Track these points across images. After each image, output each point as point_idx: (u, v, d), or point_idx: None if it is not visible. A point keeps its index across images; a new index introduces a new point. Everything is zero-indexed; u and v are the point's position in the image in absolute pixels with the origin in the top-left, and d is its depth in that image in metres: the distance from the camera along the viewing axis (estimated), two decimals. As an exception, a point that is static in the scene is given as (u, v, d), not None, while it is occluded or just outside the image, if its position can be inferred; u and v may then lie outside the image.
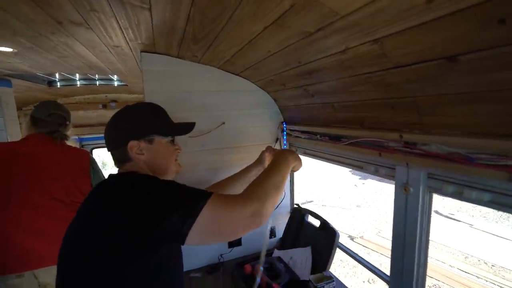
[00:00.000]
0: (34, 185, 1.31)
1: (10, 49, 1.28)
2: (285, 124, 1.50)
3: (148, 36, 1.02)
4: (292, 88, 1.22)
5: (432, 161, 0.74)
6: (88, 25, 0.93)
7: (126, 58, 1.43)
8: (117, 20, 0.86)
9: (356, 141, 0.96)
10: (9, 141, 2.12)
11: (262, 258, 1.07)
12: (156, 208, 0.64)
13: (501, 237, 5.78)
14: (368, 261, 1.23)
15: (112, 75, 2.33)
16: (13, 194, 1.26)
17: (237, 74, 1.40)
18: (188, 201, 0.67)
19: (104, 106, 3.34)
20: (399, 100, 0.77)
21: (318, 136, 1.19)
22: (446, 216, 7.02)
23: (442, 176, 0.77)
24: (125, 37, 1.03)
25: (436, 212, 7.33)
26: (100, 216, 0.65)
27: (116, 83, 2.70)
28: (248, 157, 1.38)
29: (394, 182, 0.91)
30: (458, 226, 6.51)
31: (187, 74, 1.34)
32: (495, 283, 4.37)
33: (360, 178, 9.96)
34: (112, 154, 0.84)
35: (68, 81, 2.53)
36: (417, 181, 0.82)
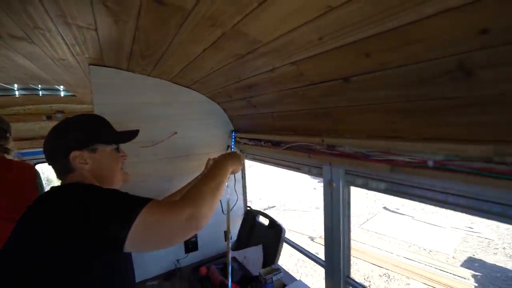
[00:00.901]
0: None
1: None
2: (234, 132, 1.62)
3: (95, 52, 1.06)
4: (237, 100, 1.34)
5: (346, 160, 0.92)
6: (31, 39, 0.94)
7: (74, 70, 1.42)
8: (62, 38, 0.90)
9: (291, 146, 1.11)
10: None
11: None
12: (93, 216, 0.64)
13: (436, 225, 6.60)
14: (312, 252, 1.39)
15: (58, 85, 2.23)
16: None
17: (187, 87, 1.48)
18: (124, 208, 0.67)
19: (49, 118, 3.10)
20: (319, 111, 0.94)
21: (263, 142, 1.33)
22: (393, 211, 7.77)
23: (355, 172, 0.95)
24: (71, 51, 1.06)
25: (385, 208, 8.08)
26: (41, 227, 0.65)
27: (62, 93, 2.57)
28: (201, 164, 1.47)
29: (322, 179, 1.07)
30: (402, 219, 7.25)
31: (138, 86, 1.38)
32: (432, 265, 4.97)
33: (318, 182, 10.52)
34: (53, 167, 0.82)
35: (4, 91, 2.34)
36: (338, 177, 1.00)
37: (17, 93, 2.36)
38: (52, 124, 0.84)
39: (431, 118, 0.64)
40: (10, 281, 0.63)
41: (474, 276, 4.67)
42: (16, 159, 1.76)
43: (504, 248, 5.56)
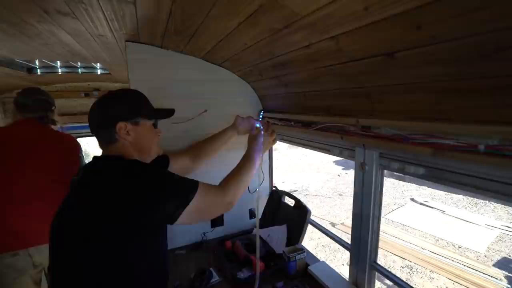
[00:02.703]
0: (29, 166, 1.36)
1: (-10, 35, 1.29)
2: (263, 111, 1.61)
3: (132, 27, 1.08)
4: (268, 79, 1.32)
5: (382, 142, 0.87)
6: (75, 15, 0.98)
7: (111, 47, 1.47)
8: (103, 12, 0.92)
9: (322, 126, 1.08)
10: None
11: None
12: (152, 197, 0.73)
13: (468, 222, 6.23)
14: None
15: (95, 63, 2.34)
16: (6, 176, 1.31)
17: (218, 65, 1.48)
18: (181, 191, 0.80)
19: (87, 95, 3.30)
20: (355, 90, 0.89)
21: (292, 123, 1.31)
22: (421, 204, 7.44)
23: (390, 155, 0.90)
24: (110, 27, 1.09)
25: (412, 199, 7.76)
26: (98, 202, 0.72)
27: (99, 71, 2.69)
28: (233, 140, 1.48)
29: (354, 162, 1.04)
30: (431, 213, 6.94)
31: (170, 63, 1.41)
32: (460, 262, 4.75)
33: (343, 169, 10.30)
34: (97, 136, 0.87)
35: (48, 68, 2.50)
36: (371, 160, 0.96)
37: (59, 70, 2.51)
38: (89, 101, 0.89)
39: (486, 98, 0.58)
40: (71, 249, 0.73)
41: (507, 277, 4.40)
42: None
43: (545, 250, 5.14)
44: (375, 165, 0.95)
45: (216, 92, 1.55)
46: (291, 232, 1.47)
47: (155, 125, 0.98)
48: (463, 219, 6.36)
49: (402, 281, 0.96)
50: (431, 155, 0.70)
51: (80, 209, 0.75)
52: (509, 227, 5.77)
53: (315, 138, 1.22)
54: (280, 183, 8.83)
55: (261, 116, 1.59)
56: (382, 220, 6.55)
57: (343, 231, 5.82)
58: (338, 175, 9.58)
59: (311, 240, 5.34)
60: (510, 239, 5.61)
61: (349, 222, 6.37)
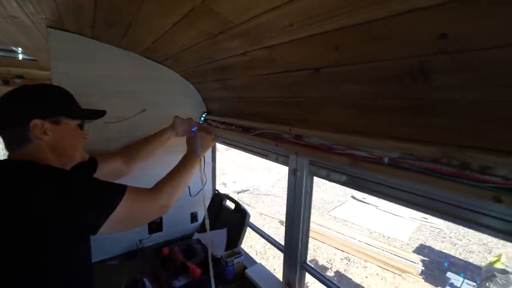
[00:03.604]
0: None
1: None
2: (206, 114, 1.58)
3: (53, 13, 0.95)
4: (211, 81, 1.30)
5: (311, 151, 0.93)
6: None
7: (29, 31, 1.28)
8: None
9: (259, 132, 1.11)
10: None
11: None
12: (66, 206, 0.64)
13: (396, 215, 7.10)
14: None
15: (15, 46, 2.01)
16: None
17: (159, 63, 1.40)
18: (102, 198, 0.71)
19: (6, 82, 2.82)
20: (289, 99, 0.93)
21: (233, 127, 1.31)
22: (360, 200, 8.22)
23: (319, 163, 0.97)
24: (23, 9, 0.94)
25: (353, 197, 8.52)
26: (5, 214, 0.61)
27: (21, 56, 2.33)
28: (170, 142, 1.41)
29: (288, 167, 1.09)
30: (368, 208, 7.71)
31: (104, 57, 1.28)
32: (388, 251, 5.39)
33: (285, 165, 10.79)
34: (4, 134, 0.74)
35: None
36: (302, 166, 1.01)
37: (-35, 50, 2.10)
38: (8, 89, 0.75)
39: (391, 116, 0.66)
40: None
41: (422, 260, 5.17)
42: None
43: (450, 237, 6.16)
44: (306, 172, 1.01)
45: (156, 91, 1.46)
46: (231, 235, 1.47)
47: (81, 126, 0.87)
48: (392, 213, 7.22)
49: (330, 280, 1.04)
50: (349, 164, 0.77)
51: None
52: (426, 218, 6.76)
53: (254, 143, 1.25)
54: (232, 183, 8.85)
55: (203, 118, 1.55)
56: (326, 217, 7.07)
57: (290, 228, 6.07)
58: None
59: (261, 239, 5.47)
60: (426, 229, 6.59)
61: (296, 219, 6.74)
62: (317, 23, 0.55)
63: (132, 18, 0.86)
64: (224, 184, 8.63)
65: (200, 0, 0.64)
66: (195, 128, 1.22)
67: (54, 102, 0.79)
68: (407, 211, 7.11)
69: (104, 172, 1.13)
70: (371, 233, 6.21)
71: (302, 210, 1.05)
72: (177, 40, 0.99)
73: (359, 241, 5.71)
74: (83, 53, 1.23)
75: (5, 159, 0.74)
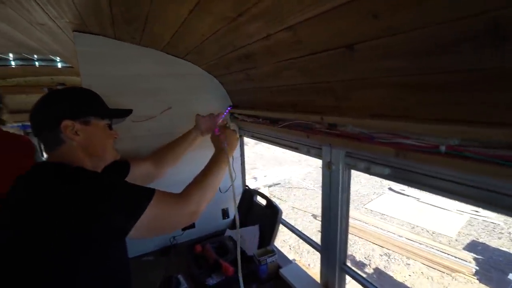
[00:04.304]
0: None
1: None
2: (230, 107, 1.53)
3: (74, 15, 0.95)
4: (235, 72, 1.24)
5: (348, 141, 0.82)
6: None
7: (59, 38, 1.32)
8: (31, -5, 0.80)
9: (288, 124, 1.02)
10: None
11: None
12: (95, 209, 0.63)
13: (441, 208, 6.54)
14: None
15: (52, 55, 2.14)
16: None
17: (181, 58, 1.38)
18: (132, 201, 0.69)
19: (50, 90, 3.07)
20: (319, 85, 0.83)
21: (260, 119, 1.24)
22: (398, 192, 7.72)
23: (356, 154, 0.86)
24: (48, 14, 0.96)
25: (390, 189, 8.03)
26: (30, 218, 0.62)
27: (59, 65, 2.49)
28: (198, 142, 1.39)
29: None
30: (408, 201, 7.22)
31: (128, 56, 1.29)
32: (434, 247, 4.98)
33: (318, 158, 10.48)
34: (41, 138, 0.77)
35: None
36: (338, 159, 0.91)
37: (13, 63, 2.29)
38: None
39: (447, 95, 0.54)
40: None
41: (475, 259, 4.66)
42: (16, 131, 1.74)
43: (509, 233, 5.50)
44: (342, 165, 0.91)
45: (180, 87, 1.44)
46: (263, 233, 1.42)
47: (110, 126, 0.88)
48: (436, 206, 6.67)
49: (372, 284, 0.93)
50: (395, 155, 0.66)
51: (8, 228, 0.64)
52: (477, 212, 6.12)
53: (283, 136, 1.17)
54: (262, 177, 8.84)
55: (226, 111, 1.50)
56: (362, 210, 6.75)
57: (324, 223, 5.91)
58: (320, 167, 9.72)
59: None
60: (477, 223, 5.95)
61: (330, 213, 6.53)
62: (350, -14, 0.46)
63: (147, 10, 0.82)
64: (254, 178, 8.65)
65: (213, -22, 0.58)
66: (218, 126, 1.18)
67: (83, 103, 0.81)
68: (454, 203, 6.50)
69: (136, 175, 1.14)
70: (413, 227, 5.79)
71: (339, 207, 0.95)
72: (195, 31, 0.93)
73: (399, 236, 5.35)
74: (108, 54, 1.24)
75: (43, 162, 0.78)
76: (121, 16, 0.92)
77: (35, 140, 1.17)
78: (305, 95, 0.95)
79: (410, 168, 0.69)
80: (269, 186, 8.31)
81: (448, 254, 4.68)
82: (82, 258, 0.64)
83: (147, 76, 1.35)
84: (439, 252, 4.74)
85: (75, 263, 0.64)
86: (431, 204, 6.70)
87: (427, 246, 4.96)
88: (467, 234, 5.43)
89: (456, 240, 5.23)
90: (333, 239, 1.01)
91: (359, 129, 0.77)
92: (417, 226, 5.80)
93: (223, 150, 1.04)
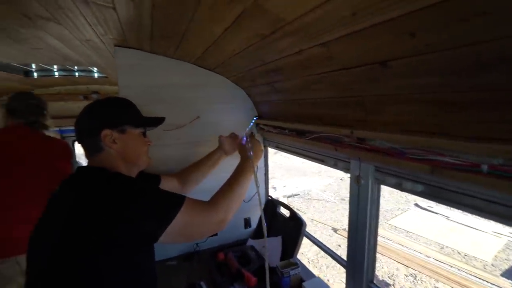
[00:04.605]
0: (17, 174, 1.33)
1: (-20, 40, 1.27)
2: (256, 118, 1.55)
3: (118, 32, 1.04)
4: (262, 85, 1.27)
5: (377, 156, 0.81)
6: (57, 20, 0.94)
7: (101, 52, 1.44)
8: (84, 17, 0.89)
9: (316, 136, 1.02)
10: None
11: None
12: (132, 213, 0.67)
13: (474, 228, 6.08)
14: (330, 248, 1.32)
15: (92, 67, 2.32)
16: None
17: (211, 70, 1.44)
18: (163, 207, 0.73)
19: (86, 98, 3.29)
20: (349, 99, 0.84)
21: (287, 131, 1.25)
22: (425, 209, 7.30)
23: (386, 169, 0.84)
24: (95, 32, 1.05)
25: (416, 205, 7.62)
26: (71, 217, 0.67)
27: (96, 75, 2.68)
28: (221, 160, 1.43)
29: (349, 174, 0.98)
30: (436, 218, 6.79)
31: (161, 68, 1.37)
32: (466, 271, 4.62)
33: (345, 172, 10.19)
34: (83, 144, 0.84)
35: (45, 72, 2.49)
36: (367, 173, 0.90)
37: (56, 74, 2.50)
38: (87, 103, 0.85)
39: (489, 113, 0.52)
40: (46, 259, 0.67)
41: (516, 287, 4.26)
42: (55, 135, 1.88)
43: (555, 260, 4.98)
44: (371, 179, 0.89)
45: (208, 97, 1.50)
46: (286, 244, 1.41)
47: (144, 134, 0.94)
48: (469, 226, 6.22)
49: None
50: (430, 172, 0.64)
51: (52, 225, 0.70)
52: (517, 235, 5.62)
53: (310, 148, 1.17)
54: (281, 188, 8.75)
55: (252, 122, 1.53)
56: (385, 226, 6.44)
57: (345, 237, 5.72)
58: (341, 179, 9.46)
59: (313, 246, 5.24)
60: (518, 248, 5.45)
61: (351, 227, 6.29)
62: (388, 8, 0.47)
63: (185, 28, 0.88)
64: (274, 188, 8.59)
65: (250, 0, 0.61)
66: (246, 136, 1.21)
67: (120, 113, 0.87)
68: (489, 224, 6.02)
69: (164, 188, 1.19)
70: (442, 248, 5.41)
71: (367, 222, 0.93)
72: (227, 46, 0.98)
73: (427, 256, 5.02)
74: (143, 66, 1.33)
75: (84, 166, 0.84)
76: (159, 33, 0.99)
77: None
78: (334, 108, 0.95)
79: (446, 186, 0.67)
80: (288, 197, 8.20)
81: (484, 280, 4.31)
82: (110, 259, 0.67)
83: (177, 87, 1.42)
84: (472, 277, 4.38)
85: (105, 264, 0.67)
86: (463, 224, 6.25)
87: (459, 269, 4.61)
88: (506, 259, 4.98)
89: (492, 265, 4.81)
90: (360, 255, 0.98)
91: (389, 144, 0.76)
92: (447, 246, 5.41)
93: (248, 159, 1.07)
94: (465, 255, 5.19)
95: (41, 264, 0.68)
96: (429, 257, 5.04)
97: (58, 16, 0.90)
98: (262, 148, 1.19)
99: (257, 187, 1.10)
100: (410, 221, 6.69)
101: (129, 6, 0.76)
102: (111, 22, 0.92)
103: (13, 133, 1.43)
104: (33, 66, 2.35)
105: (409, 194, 0.80)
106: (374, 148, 0.82)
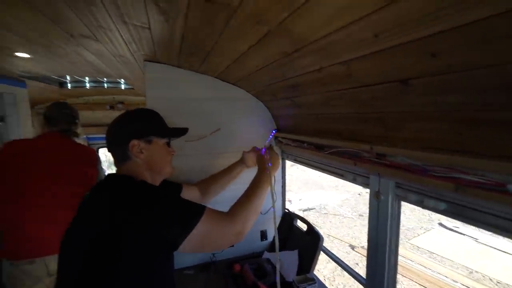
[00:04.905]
0: (48, 177, 1.43)
1: (27, 55, 1.41)
2: (275, 131, 1.58)
3: (149, 49, 1.12)
4: (282, 99, 1.30)
5: (398, 172, 0.81)
6: (96, 38, 1.04)
7: (131, 66, 1.54)
8: (121, 35, 0.97)
9: (335, 151, 1.03)
10: (23, 137, 2.28)
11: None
12: (158, 221, 0.71)
13: (508, 253, 5.65)
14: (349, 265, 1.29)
15: (120, 79, 2.47)
16: (28, 184, 1.38)
17: (232, 84, 1.49)
18: (185, 215, 0.76)
19: (112, 107, 3.49)
20: (369, 115, 0.85)
21: (305, 144, 1.27)
22: (451, 229, 6.88)
23: (407, 186, 0.83)
24: (129, 49, 1.14)
25: (441, 224, 7.21)
26: (97, 222, 0.71)
27: (123, 86, 2.84)
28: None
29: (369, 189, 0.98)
30: (462, 240, 6.38)
31: (186, 81, 1.44)
32: (498, 299, 4.27)
33: (364, 187, 9.88)
34: (112, 153, 0.89)
35: (78, 83, 2.69)
36: (387, 189, 0.89)
37: (88, 85, 2.68)
38: (114, 113, 0.93)
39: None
40: (73, 261, 0.72)
41: (554, 320, 3.87)
42: (84, 142, 2.01)
43: None
44: (391, 195, 0.88)
45: (229, 110, 1.55)
46: (302, 259, 1.39)
47: (168, 144, 0.98)
48: (501, 250, 5.78)
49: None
50: (453, 190, 0.64)
51: (80, 228, 0.75)
52: (555, 262, 5.15)
53: (329, 162, 1.17)
54: (297, 201, 8.61)
55: (271, 135, 1.56)
56: (407, 245, 6.13)
57: (363, 255, 5.50)
58: (359, 194, 9.18)
59: (329, 263, 5.08)
60: (557, 276, 4.98)
61: (370, 245, 6.03)
62: (410, 29, 0.49)
63: (212, 46, 0.94)
64: (289, 201, 8.48)
65: (276, 23, 0.65)
66: (265, 147, 1.24)
67: (147, 124, 0.92)
68: (523, 248, 5.58)
69: (185, 197, 1.23)
70: (470, 272, 5.04)
71: (387, 238, 0.91)
72: (250, 62, 1.03)
73: (453, 280, 4.70)
74: (170, 80, 1.41)
75: (113, 173, 0.89)
76: (188, 50, 1.06)
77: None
78: (353, 124, 0.96)
79: (470, 204, 0.66)
80: (304, 210, 8.05)
81: (517, 310, 3.95)
82: (133, 265, 0.70)
83: (200, 99, 1.49)
84: (505, 306, 4.04)
85: (129, 270, 0.70)
86: (494, 247, 5.83)
87: (489, 296, 4.27)
88: (542, 288, 4.56)
89: (527, 294, 4.42)
90: (380, 274, 0.96)
91: (410, 160, 0.76)
92: (476, 271, 5.04)
93: (265, 171, 1.08)
94: (498, 282, 4.81)
95: (72, 270, 0.72)
96: (456, 281, 4.72)
97: (98, 34, 0.99)
98: (280, 161, 1.20)
99: (273, 200, 1.11)
100: (434, 241, 6.32)
101: (163, 27, 0.83)
102: (145, 40, 1.00)
103: (49, 140, 1.54)
104: (68, 77, 2.55)
105: (433, 213, 0.78)
106: (394, 164, 0.82)
